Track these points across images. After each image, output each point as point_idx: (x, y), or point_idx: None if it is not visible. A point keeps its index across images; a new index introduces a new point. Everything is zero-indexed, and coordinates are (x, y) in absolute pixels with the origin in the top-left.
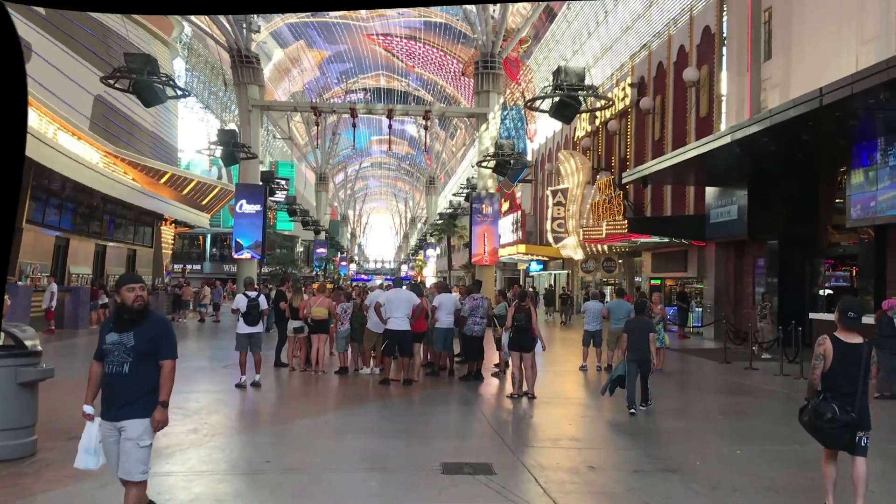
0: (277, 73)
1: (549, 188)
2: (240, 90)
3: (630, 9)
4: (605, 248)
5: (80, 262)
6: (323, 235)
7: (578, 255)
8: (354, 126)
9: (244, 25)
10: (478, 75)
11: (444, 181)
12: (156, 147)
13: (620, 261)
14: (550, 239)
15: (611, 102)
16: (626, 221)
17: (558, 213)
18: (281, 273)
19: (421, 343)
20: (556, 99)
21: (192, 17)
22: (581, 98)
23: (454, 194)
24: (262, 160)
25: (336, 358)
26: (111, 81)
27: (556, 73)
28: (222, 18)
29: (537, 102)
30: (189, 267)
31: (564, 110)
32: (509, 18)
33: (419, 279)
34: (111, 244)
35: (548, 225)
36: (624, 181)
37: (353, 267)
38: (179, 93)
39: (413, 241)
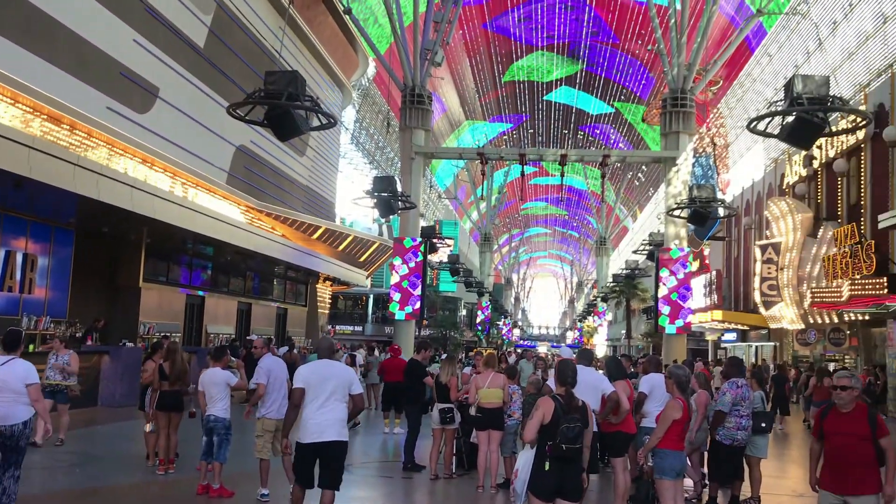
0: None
1: (757, 243)
2: (404, 135)
3: (855, 29)
4: (835, 315)
5: (220, 321)
6: (487, 298)
7: (794, 323)
8: (523, 175)
9: (428, 56)
10: (665, 115)
11: (615, 244)
12: (310, 201)
13: (849, 332)
14: (759, 303)
15: (868, 119)
16: (884, 279)
17: (769, 273)
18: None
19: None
20: (791, 117)
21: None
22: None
23: (634, 251)
24: (423, 213)
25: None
26: (241, 112)
27: (790, 83)
28: (408, 49)
29: (759, 125)
30: (351, 329)
31: (803, 131)
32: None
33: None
34: (259, 303)
35: (755, 285)
36: (882, 224)
37: (516, 332)
38: (324, 121)
39: (579, 307)
